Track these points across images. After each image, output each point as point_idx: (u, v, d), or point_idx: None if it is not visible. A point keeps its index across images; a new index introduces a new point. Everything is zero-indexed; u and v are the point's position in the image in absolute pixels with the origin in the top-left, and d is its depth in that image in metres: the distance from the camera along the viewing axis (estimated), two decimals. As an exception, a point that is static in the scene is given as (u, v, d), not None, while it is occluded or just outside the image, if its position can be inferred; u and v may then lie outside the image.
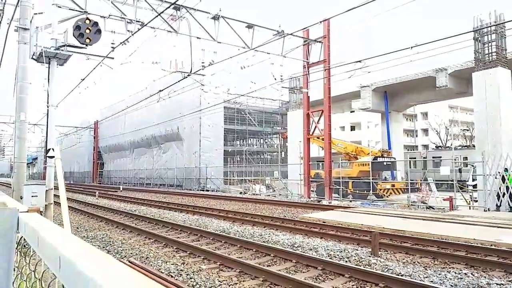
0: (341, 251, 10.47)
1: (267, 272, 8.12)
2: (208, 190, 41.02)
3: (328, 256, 10.01)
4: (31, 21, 12.74)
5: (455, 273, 8.34)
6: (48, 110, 14.21)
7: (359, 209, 20.42)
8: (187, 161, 45.92)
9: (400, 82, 35.38)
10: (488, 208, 19.08)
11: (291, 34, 22.85)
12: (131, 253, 10.52)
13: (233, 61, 21.32)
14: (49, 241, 1.23)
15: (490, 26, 22.79)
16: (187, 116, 40.39)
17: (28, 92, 12.83)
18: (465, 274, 8.27)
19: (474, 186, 21.67)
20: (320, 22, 23.38)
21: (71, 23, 14.43)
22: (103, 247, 11.48)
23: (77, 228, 15.35)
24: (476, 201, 21.18)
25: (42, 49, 12.76)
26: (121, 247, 11.44)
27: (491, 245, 10.89)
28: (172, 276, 8.12)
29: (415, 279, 7.78)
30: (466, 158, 31.64)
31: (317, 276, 8.32)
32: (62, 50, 13.48)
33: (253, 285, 7.72)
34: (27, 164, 16.50)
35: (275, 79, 24.69)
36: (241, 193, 36.22)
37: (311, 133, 28.96)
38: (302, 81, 29.90)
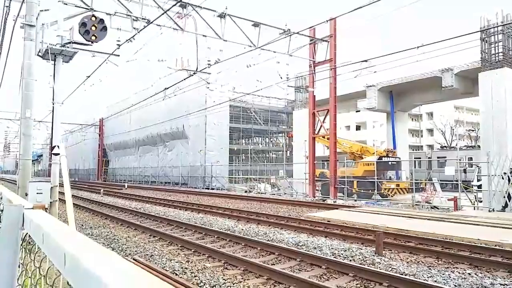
0: (346, 250, 10.47)
1: (271, 271, 8.13)
2: (213, 189, 41.06)
3: (333, 255, 10.01)
4: (37, 18, 12.76)
5: (459, 273, 8.32)
6: (53, 107, 14.26)
7: (363, 209, 20.38)
8: (192, 159, 45.94)
9: (406, 82, 35.20)
10: (493, 209, 19.00)
11: (297, 33, 22.78)
12: (135, 251, 10.55)
13: (239, 60, 21.31)
14: (54, 238, 1.23)
15: (497, 26, 22.67)
16: (192, 114, 40.40)
17: (33, 89, 12.83)
18: (469, 274, 8.25)
19: (479, 186, 21.58)
20: (327, 21, 23.34)
21: (77, 20, 14.49)
22: (108, 245, 11.51)
23: (82, 225, 15.41)
24: (481, 201, 21.11)
25: (47, 46, 12.80)
26: (125, 244, 11.48)
27: (495, 246, 10.83)
28: (176, 274, 8.14)
29: (419, 278, 7.76)
30: (471, 159, 31.49)
31: (321, 274, 8.32)
32: (68, 47, 13.52)
33: (257, 284, 7.72)
34: (32, 161, 16.54)
35: (281, 78, 24.72)
36: (246, 191, 36.22)
37: (316, 132, 28.91)
38: (308, 80, 29.84)
